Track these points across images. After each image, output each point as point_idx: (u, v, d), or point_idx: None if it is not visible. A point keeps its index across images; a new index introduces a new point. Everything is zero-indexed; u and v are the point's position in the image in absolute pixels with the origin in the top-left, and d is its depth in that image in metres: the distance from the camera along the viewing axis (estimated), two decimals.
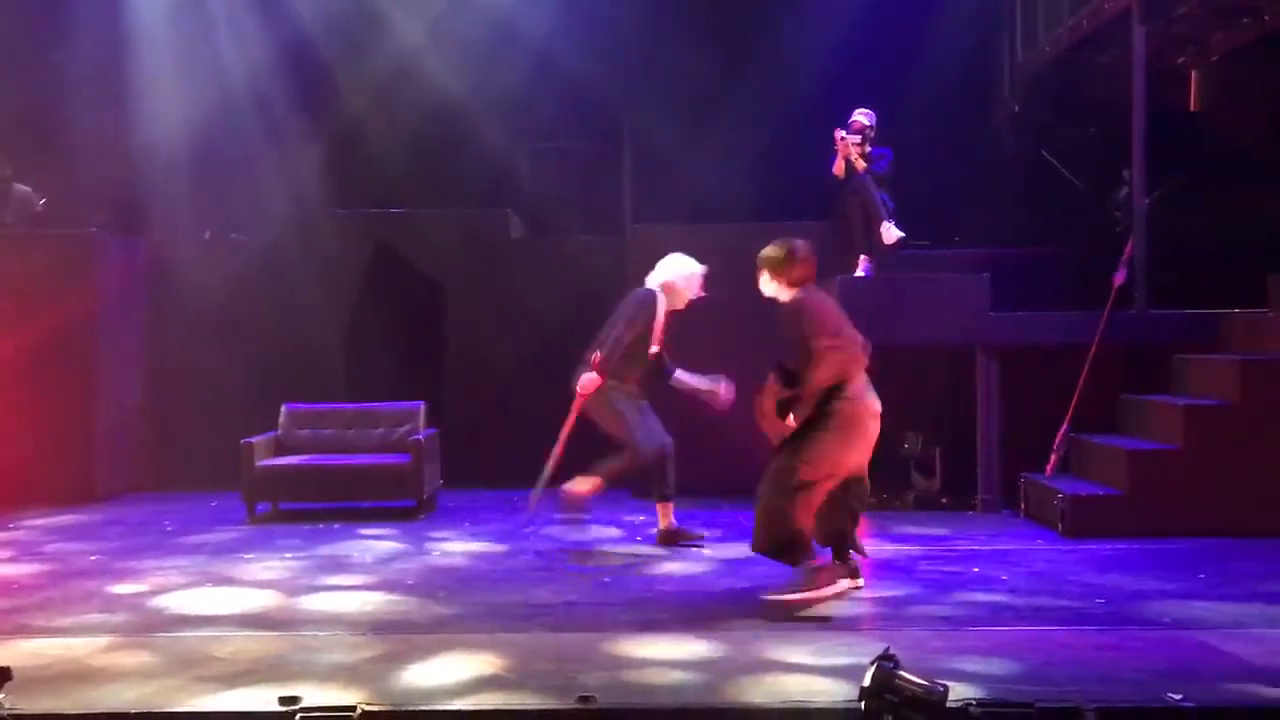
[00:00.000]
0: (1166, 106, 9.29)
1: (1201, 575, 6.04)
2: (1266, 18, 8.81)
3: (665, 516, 7.11)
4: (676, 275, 7.08)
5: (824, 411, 5.52)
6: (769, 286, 5.87)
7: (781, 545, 5.58)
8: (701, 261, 8.29)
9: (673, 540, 7.04)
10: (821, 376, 5.49)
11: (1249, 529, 6.90)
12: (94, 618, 5.38)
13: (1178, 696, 3.95)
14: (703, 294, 7.12)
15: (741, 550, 6.81)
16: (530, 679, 4.32)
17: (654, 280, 7.12)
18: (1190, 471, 7.13)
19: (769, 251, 5.86)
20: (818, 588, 5.55)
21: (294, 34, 10.35)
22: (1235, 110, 9.69)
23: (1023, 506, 8.00)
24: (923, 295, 8.38)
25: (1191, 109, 10.21)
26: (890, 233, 8.70)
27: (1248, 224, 8.73)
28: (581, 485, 6.99)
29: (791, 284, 5.77)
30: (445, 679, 4.37)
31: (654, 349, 7.06)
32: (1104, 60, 9.57)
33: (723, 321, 8.18)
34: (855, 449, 5.59)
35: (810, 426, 5.55)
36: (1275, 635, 4.87)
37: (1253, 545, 6.68)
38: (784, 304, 5.76)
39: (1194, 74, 10.10)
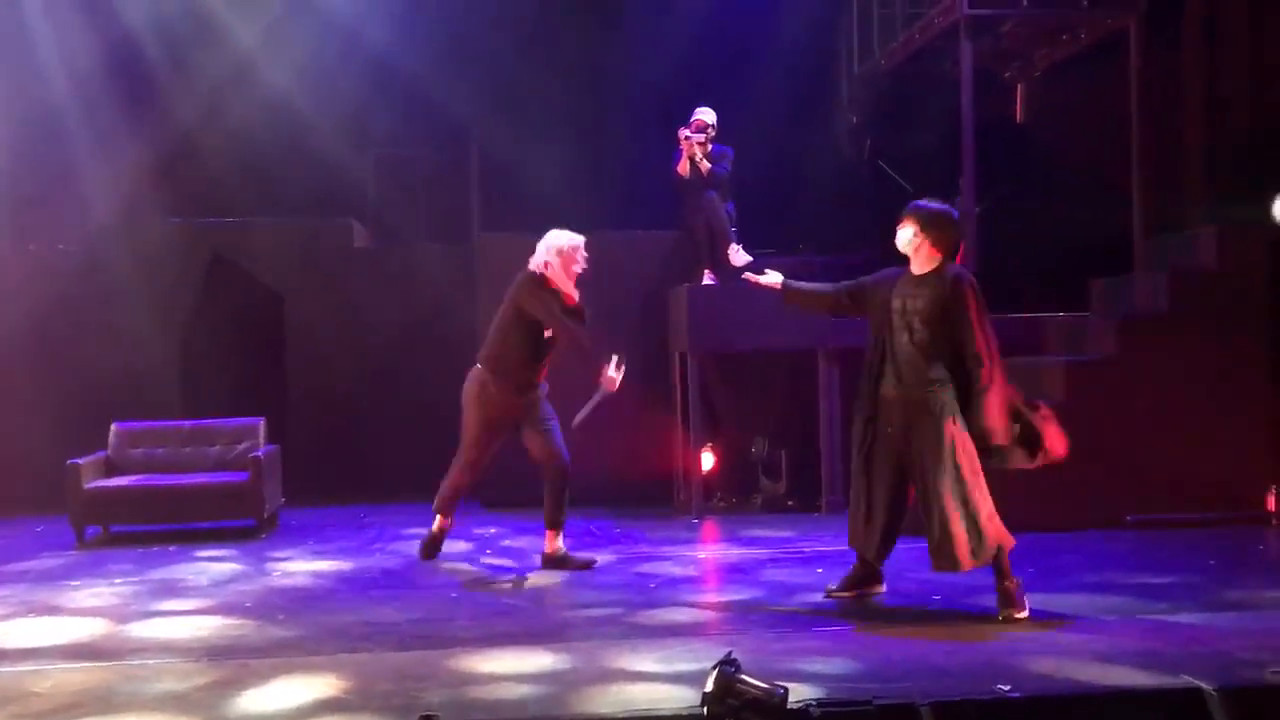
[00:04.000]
0: (996, 118, 9.68)
1: (1030, 569, 6.27)
2: (1083, 35, 9.28)
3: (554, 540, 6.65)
4: (558, 246, 6.65)
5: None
6: (914, 243, 5.47)
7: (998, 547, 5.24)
8: None
9: (561, 565, 6.59)
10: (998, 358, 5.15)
11: (1074, 523, 7.21)
12: None
13: (1007, 688, 4.09)
14: (585, 267, 6.74)
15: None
16: (372, 700, 4.22)
17: (535, 262, 6.70)
18: (1019, 469, 7.39)
19: (933, 207, 5.46)
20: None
21: (120, 35, 9.90)
22: (1057, 122, 10.16)
23: None
24: (767, 302, 8.48)
25: (1018, 120, 10.66)
26: (738, 255, 8.81)
27: (1071, 231, 9.16)
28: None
29: (945, 251, 5.40)
30: (283, 704, 4.23)
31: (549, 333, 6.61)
32: (936, 72, 9.91)
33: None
34: None
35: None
36: (1097, 623, 5.09)
37: (1079, 537, 7.00)
38: (955, 278, 5.37)
39: (1020, 87, 10.55)
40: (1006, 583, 5.25)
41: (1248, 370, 7.55)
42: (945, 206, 5.56)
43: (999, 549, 5.25)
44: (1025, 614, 5.20)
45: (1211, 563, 6.31)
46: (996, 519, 5.27)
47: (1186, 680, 4.08)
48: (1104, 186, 9.32)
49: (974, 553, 5.21)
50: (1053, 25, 9.19)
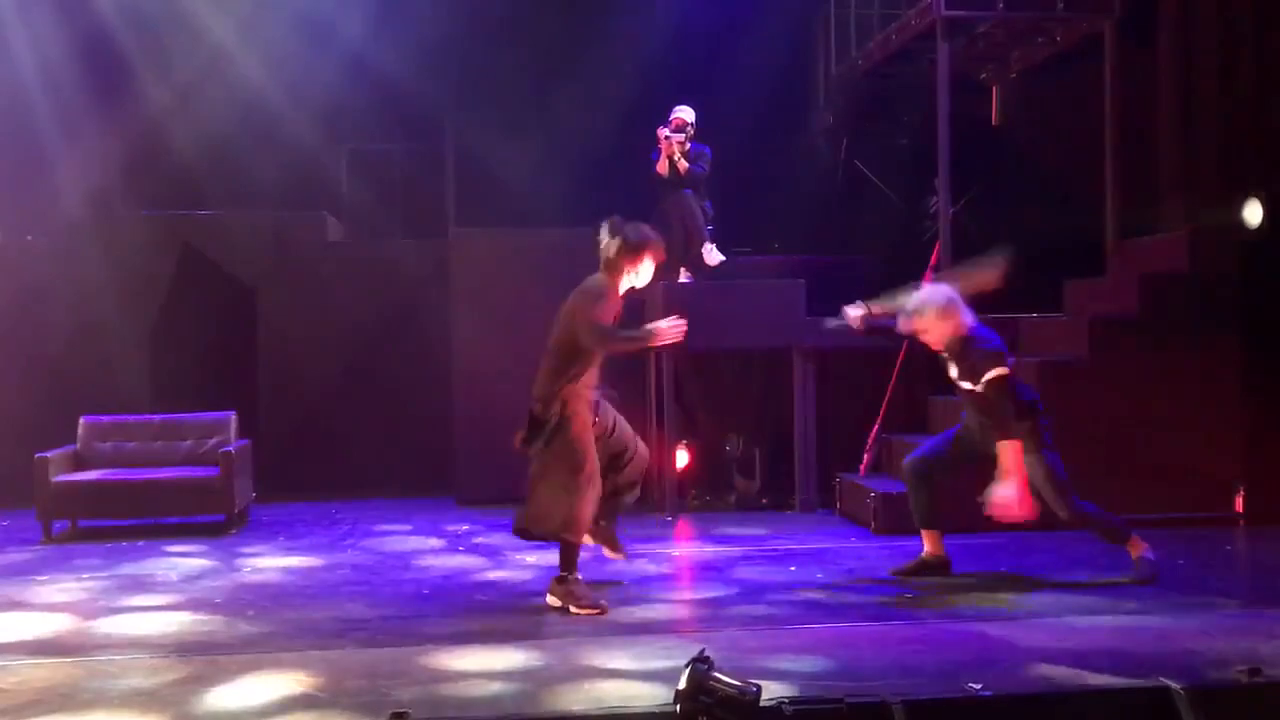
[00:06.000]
0: (971, 119, 9.72)
1: (1003, 568, 6.32)
2: (1058, 38, 9.32)
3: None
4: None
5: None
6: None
7: None
8: (525, 265, 8.19)
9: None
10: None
11: (1048, 522, 7.22)
12: None
13: (978, 686, 4.10)
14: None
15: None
16: (342, 696, 4.19)
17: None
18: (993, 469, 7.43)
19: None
20: None
21: (91, 25, 9.79)
22: (1032, 124, 10.21)
23: (839, 505, 8.23)
24: (742, 300, 8.53)
25: (994, 122, 10.71)
26: (712, 255, 8.82)
27: (1045, 232, 9.20)
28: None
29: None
30: (252, 700, 4.20)
31: None
32: (912, 74, 9.94)
33: (548, 323, 8.14)
34: None
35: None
36: (1070, 623, 5.12)
37: (1051, 537, 7.00)
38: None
39: (995, 89, 10.60)
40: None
41: (1218, 372, 7.60)
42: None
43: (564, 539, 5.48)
44: (593, 610, 5.39)
45: (1180, 562, 6.35)
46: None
47: (1155, 679, 4.10)
48: (1078, 188, 9.38)
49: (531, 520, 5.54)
50: (1028, 27, 9.22)
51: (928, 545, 6.15)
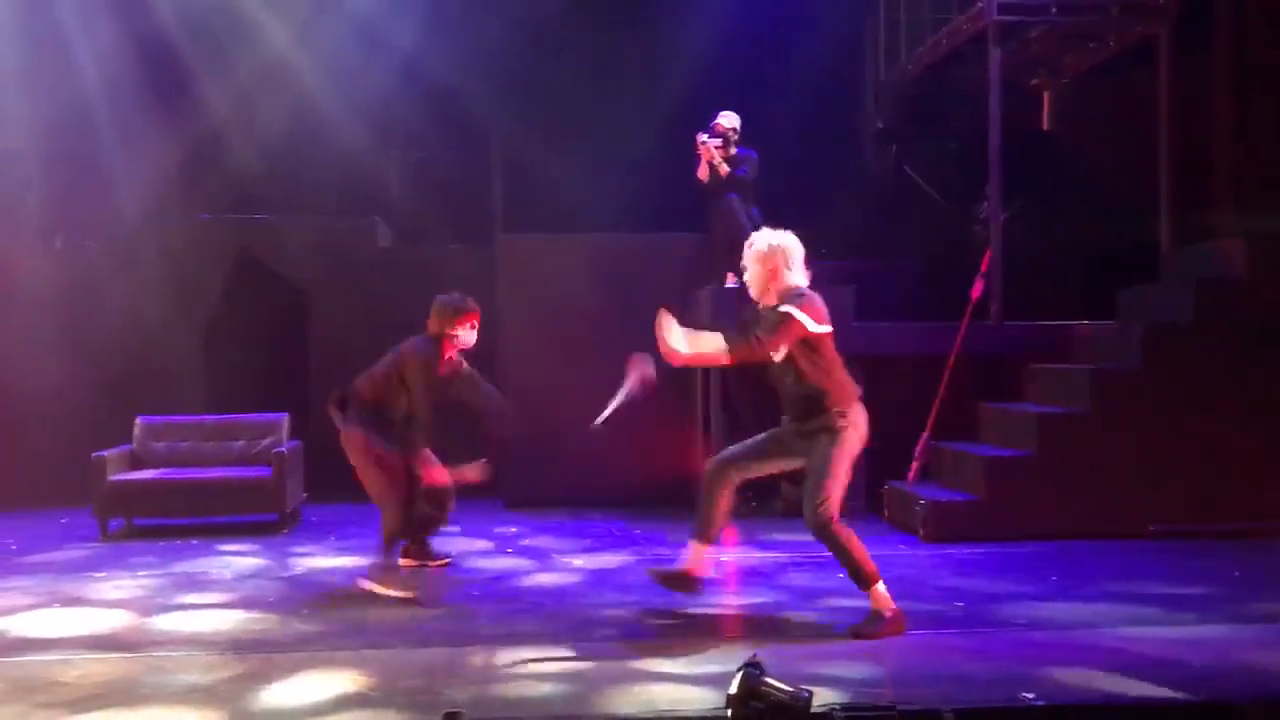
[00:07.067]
0: (1022, 124, 9.65)
1: (1054, 577, 6.26)
2: (1111, 43, 9.24)
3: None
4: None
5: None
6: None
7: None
8: (572, 271, 8.19)
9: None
10: None
11: (1100, 531, 7.17)
12: None
13: (1031, 695, 4.07)
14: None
15: (609, 560, 6.83)
16: (395, 695, 4.23)
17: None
18: (1044, 477, 7.38)
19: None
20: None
21: (151, 33, 9.96)
22: (1084, 130, 10.12)
23: (886, 513, 8.18)
24: None
25: (1045, 128, 10.63)
26: None
27: (1097, 239, 9.12)
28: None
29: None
30: (306, 698, 4.25)
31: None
32: (963, 79, 9.89)
33: (595, 328, 8.20)
34: None
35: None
36: (1121, 634, 5.06)
37: (1103, 547, 6.95)
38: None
39: (1046, 94, 10.52)
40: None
41: (1274, 380, 7.48)
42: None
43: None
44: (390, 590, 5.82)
45: (1236, 574, 6.26)
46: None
47: (1214, 693, 4.05)
48: (1130, 195, 9.28)
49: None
50: (1081, 31, 9.15)
51: (690, 557, 5.48)
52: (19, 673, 4.60)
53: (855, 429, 5.22)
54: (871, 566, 5.14)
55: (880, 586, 5.11)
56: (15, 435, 9.39)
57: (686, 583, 5.51)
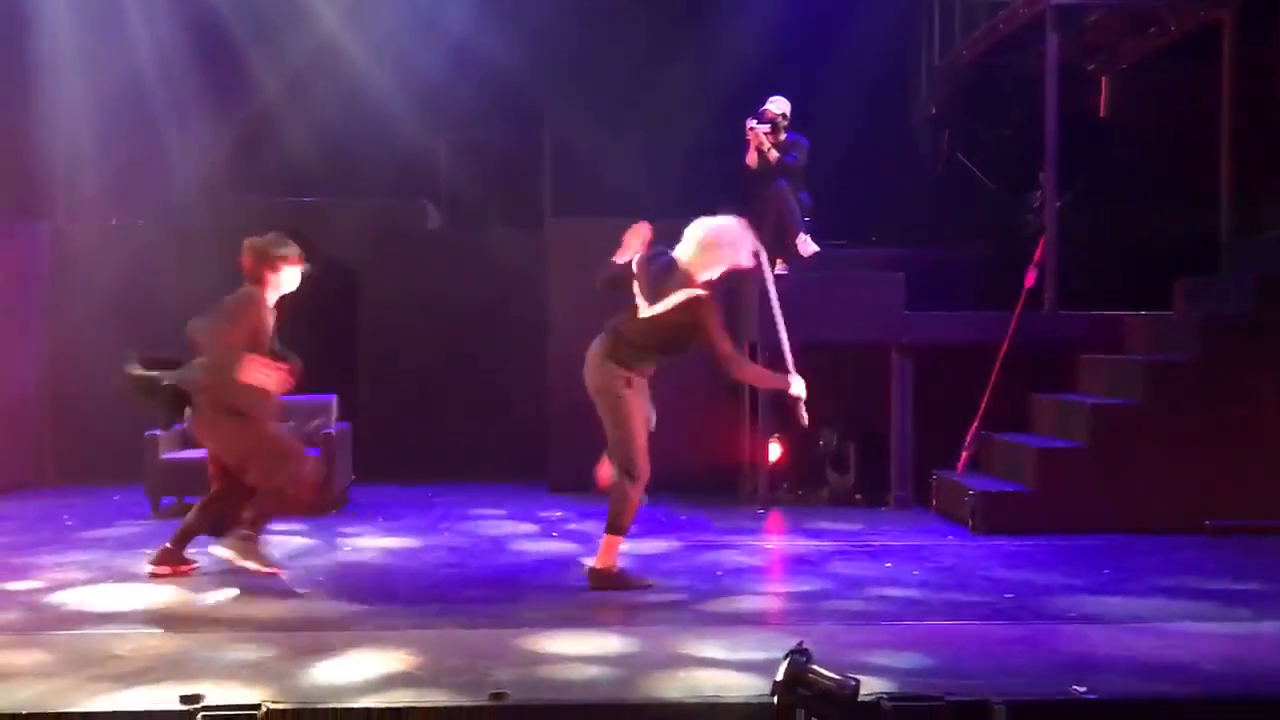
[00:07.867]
0: (1079, 111, 9.49)
1: (1106, 570, 6.17)
2: (1173, 28, 9.05)
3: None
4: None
5: None
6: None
7: None
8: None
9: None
10: None
11: (1152, 525, 7.06)
12: None
13: (1082, 689, 4.01)
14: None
15: (654, 546, 6.83)
16: (441, 676, 4.25)
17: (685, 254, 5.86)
18: (1096, 469, 7.28)
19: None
20: None
21: (205, 15, 10.05)
22: (1143, 117, 9.93)
23: (934, 503, 8.11)
24: (839, 294, 8.43)
25: (1102, 115, 10.44)
26: (807, 246, 8.71)
27: (1154, 228, 8.95)
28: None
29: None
30: (354, 676, 4.27)
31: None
32: (1019, 64, 9.73)
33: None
34: None
35: None
36: (1175, 628, 4.98)
37: (1155, 541, 6.85)
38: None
39: (1104, 81, 10.33)
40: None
41: None
42: None
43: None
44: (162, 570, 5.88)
45: None
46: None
47: (1270, 689, 3.97)
48: (1189, 185, 9.10)
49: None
50: (1142, 17, 8.98)
51: None
52: (75, 645, 4.67)
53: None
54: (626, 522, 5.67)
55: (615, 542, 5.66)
56: (71, 413, 9.56)
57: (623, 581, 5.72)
